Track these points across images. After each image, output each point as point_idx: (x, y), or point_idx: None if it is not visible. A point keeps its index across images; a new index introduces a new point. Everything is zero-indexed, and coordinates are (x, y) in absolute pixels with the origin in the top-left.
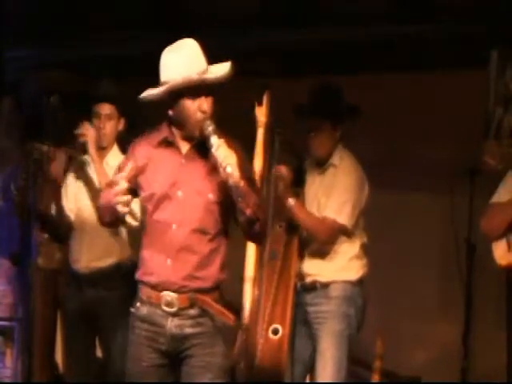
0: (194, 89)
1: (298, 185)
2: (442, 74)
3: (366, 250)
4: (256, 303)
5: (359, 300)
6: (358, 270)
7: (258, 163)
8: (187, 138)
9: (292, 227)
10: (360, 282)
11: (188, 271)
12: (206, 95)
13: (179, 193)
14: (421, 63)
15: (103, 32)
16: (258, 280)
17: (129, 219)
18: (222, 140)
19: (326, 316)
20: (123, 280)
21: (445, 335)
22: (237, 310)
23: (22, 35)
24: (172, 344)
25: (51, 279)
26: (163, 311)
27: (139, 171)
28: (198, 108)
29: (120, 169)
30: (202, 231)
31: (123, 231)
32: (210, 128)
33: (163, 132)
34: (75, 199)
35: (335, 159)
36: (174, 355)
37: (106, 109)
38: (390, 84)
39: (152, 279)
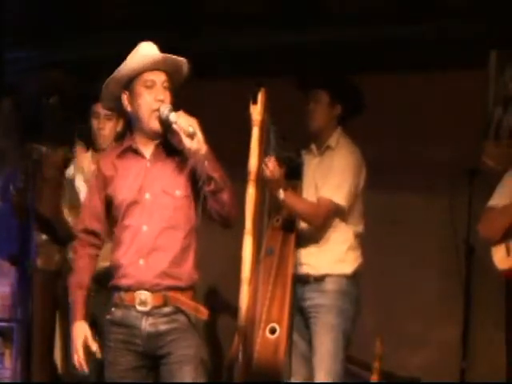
0: (150, 77)
1: (296, 178)
2: (442, 75)
3: (361, 240)
4: (252, 301)
5: (354, 293)
6: (353, 262)
7: (253, 162)
8: (149, 138)
9: (289, 223)
10: (354, 275)
11: (160, 269)
12: (164, 87)
13: (147, 195)
14: (420, 63)
15: (103, 32)
16: (254, 277)
17: None
18: (180, 111)
19: (321, 310)
20: None
21: (444, 336)
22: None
23: (22, 36)
24: (148, 344)
25: (50, 280)
26: (137, 311)
27: (107, 184)
28: (154, 98)
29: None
30: (172, 229)
31: None
32: (166, 110)
33: (126, 142)
34: (75, 201)
35: (332, 141)
36: (152, 355)
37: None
38: (389, 84)
39: (125, 281)
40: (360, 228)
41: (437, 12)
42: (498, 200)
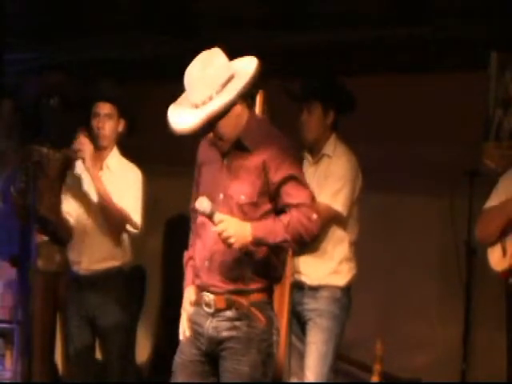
0: None
1: None
2: (442, 76)
3: (355, 249)
4: None
5: (345, 302)
6: (347, 274)
7: None
8: None
9: None
10: (348, 287)
11: (222, 272)
12: None
13: (221, 195)
14: (421, 65)
15: (103, 34)
16: None
17: (129, 227)
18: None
19: (316, 314)
20: (123, 283)
21: (444, 337)
22: None
23: (22, 37)
24: (209, 345)
25: (51, 281)
26: (204, 311)
27: (200, 168)
28: None
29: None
30: None
31: (125, 236)
32: None
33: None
34: (75, 202)
35: (329, 149)
36: (213, 356)
37: (105, 108)
38: (389, 85)
39: (197, 281)
40: (355, 236)
41: (437, 13)
42: (494, 202)
